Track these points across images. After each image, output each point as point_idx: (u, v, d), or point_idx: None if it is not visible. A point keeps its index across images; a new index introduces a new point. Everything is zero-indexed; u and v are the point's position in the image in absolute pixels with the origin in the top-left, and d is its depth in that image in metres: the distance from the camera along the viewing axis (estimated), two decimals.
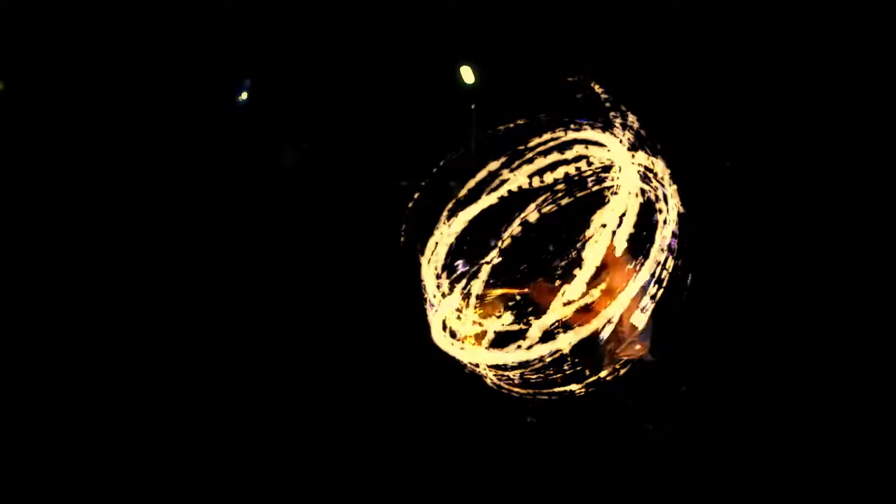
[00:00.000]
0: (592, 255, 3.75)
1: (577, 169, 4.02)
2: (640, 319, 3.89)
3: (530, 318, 3.99)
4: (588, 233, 3.97)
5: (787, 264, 6.16)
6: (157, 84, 8.22)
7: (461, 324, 4.09)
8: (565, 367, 3.94)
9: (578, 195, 4.10)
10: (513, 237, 4.17)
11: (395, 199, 9.18)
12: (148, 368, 5.94)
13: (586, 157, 3.96)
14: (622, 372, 3.80)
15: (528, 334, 3.81)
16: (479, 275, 4.21)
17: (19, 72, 8.03)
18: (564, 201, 4.13)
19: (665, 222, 3.80)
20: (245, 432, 5.05)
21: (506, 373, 3.88)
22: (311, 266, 7.68)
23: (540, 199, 4.06)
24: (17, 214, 7.47)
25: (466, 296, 4.15)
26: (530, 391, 3.92)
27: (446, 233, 4.09)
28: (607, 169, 3.98)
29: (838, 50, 7.17)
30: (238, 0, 8.50)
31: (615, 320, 3.77)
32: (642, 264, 3.78)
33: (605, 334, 3.75)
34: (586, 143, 3.98)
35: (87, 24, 7.98)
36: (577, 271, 3.79)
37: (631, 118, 3.89)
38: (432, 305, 4.05)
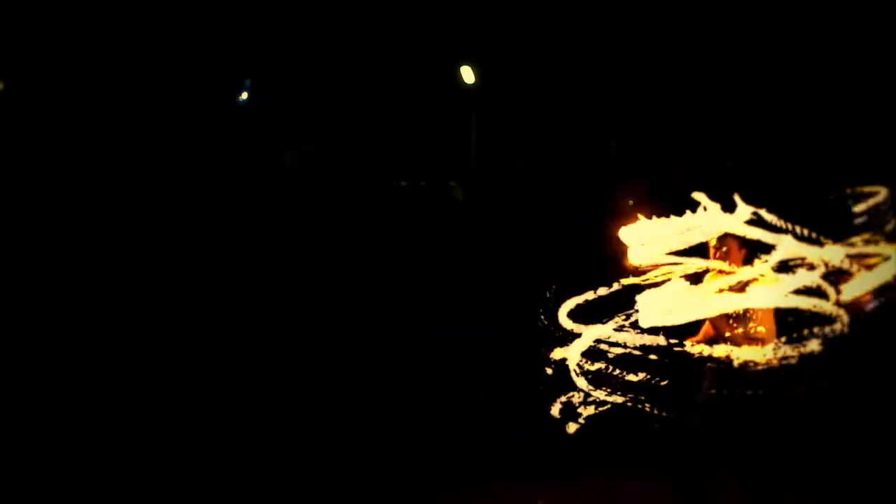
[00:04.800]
0: None
1: None
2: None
3: None
4: None
5: None
6: (158, 84, 8.22)
7: None
8: None
9: None
10: None
11: (394, 200, 9.23)
12: (149, 367, 5.94)
13: None
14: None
15: None
16: None
17: (19, 72, 8.03)
18: None
19: None
20: (244, 433, 5.06)
21: None
22: (311, 265, 7.68)
23: None
24: (17, 214, 7.46)
25: None
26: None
27: None
28: None
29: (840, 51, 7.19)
30: (238, 0, 8.50)
31: None
32: None
33: None
34: None
35: (87, 24, 7.98)
36: None
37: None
38: None
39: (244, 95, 8.96)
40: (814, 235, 3.55)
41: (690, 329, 4.02)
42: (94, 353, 6.12)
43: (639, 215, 3.90)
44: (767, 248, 3.68)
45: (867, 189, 3.59)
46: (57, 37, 7.92)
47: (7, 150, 7.81)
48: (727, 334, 4.00)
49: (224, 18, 8.49)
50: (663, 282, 3.98)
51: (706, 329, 4.05)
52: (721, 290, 3.96)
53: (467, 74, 9.15)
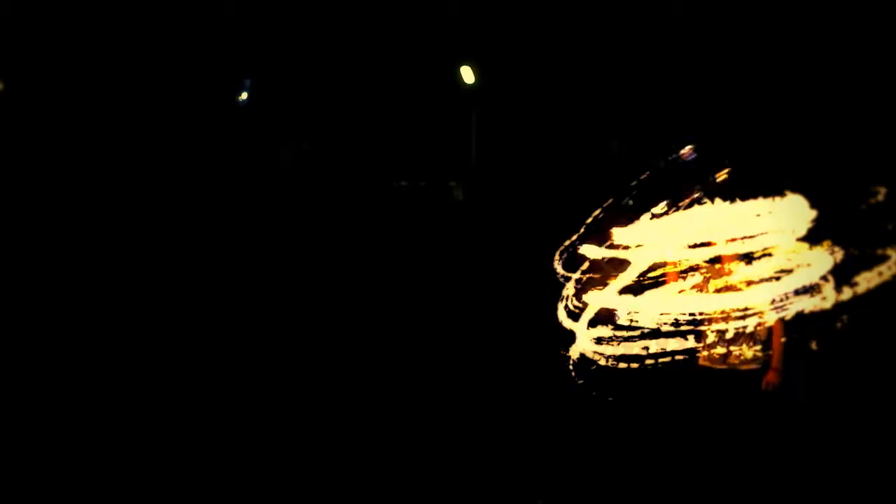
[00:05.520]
0: None
1: None
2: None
3: None
4: None
5: None
6: (159, 84, 8.23)
7: None
8: None
9: None
10: None
11: (394, 199, 9.24)
12: (148, 367, 5.94)
13: None
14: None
15: None
16: None
17: (19, 72, 8.03)
18: None
19: None
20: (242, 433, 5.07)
21: None
22: (312, 265, 7.69)
23: None
24: (17, 214, 7.47)
25: None
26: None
27: None
28: None
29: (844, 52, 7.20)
30: (238, 1, 8.51)
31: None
32: None
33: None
34: None
35: (87, 24, 7.99)
36: None
37: None
38: None
39: (244, 95, 8.97)
40: (813, 235, 3.56)
41: (689, 328, 4.02)
42: (93, 353, 6.12)
43: (639, 215, 3.90)
44: (767, 248, 3.68)
45: (867, 188, 3.58)
46: (56, 37, 7.93)
47: (7, 150, 7.81)
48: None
49: (225, 19, 8.50)
50: (663, 282, 3.98)
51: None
52: (720, 290, 3.97)
53: (467, 74, 9.16)
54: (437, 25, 8.76)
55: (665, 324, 3.82)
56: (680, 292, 3.92)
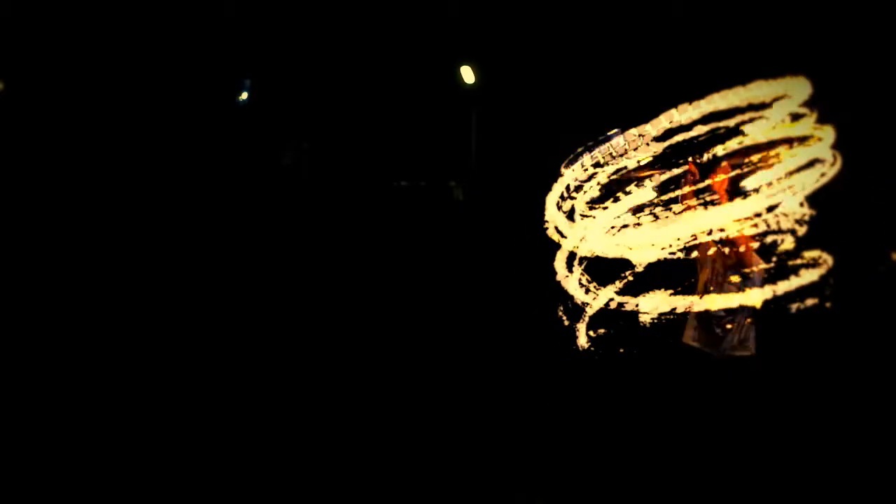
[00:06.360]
0: None
1: None
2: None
3: None
4: None
5: None
6: (159, 84, 8.23)
7: None
8: None
9: None
10: None
11: (394, 199, 9.25)
12: (149, 367, 5.95)
13: None
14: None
15: None
16: None
17: (19, 72, 8.04)
18: None
19: None
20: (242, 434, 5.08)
21: None
22: (312, 264, 7.69)
23: None
24: (17, 214, 7.47)
25: None
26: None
27: None
28: None
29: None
30: (238, 2, 8.52)
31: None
32: None
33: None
34: None
35: (87, 24, 7.99)
36: None
37: None
38: None
39: (244, 95, 8.97)
40: (814, 235, 3.57)
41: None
42: (93, 353, 6.12)
43: (641, 216, 3.90)
44: (769, 248, 3.69)
45: (866, 188, 3.60)
46: (56, 37, 7.94)
47: (7, 150, 7.82)
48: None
49: (225, 19, 8.51)
50: (665, 281, 3.99)
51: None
52: (722, 291, 3.98)
53: (467, 74, 9.16)
54: (437, 25, 8.76)
55: (664, 323, 3.83)
56: (679, 292, 3.93)
